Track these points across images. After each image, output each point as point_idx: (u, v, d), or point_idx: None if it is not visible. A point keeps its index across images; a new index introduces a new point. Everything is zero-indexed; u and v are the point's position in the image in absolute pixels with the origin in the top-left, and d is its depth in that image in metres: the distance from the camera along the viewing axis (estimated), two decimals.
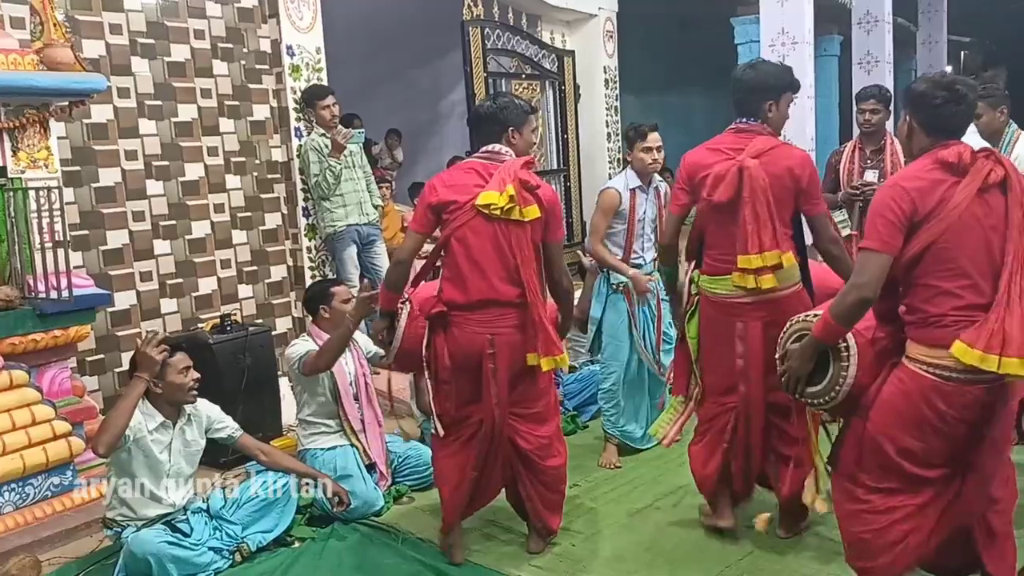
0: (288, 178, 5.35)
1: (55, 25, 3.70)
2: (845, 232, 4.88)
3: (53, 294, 3.68)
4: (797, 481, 3.16)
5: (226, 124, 5.09)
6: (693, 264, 3.39)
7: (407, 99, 8.46)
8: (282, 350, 4.19)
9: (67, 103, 3.83)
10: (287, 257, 5.41)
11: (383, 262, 5.31)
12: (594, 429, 4.83)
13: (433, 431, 3.33)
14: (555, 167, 7.53)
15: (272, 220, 5.33)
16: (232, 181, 5.12)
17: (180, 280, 4.88)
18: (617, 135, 8.10)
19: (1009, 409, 2.51)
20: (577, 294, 4.94)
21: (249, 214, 5.21)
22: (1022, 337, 2.26)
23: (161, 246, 4.79)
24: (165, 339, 3.36)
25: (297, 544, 3.55)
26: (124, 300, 4.60)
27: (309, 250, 5.41)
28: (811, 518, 3.37)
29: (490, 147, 3.18)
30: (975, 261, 2.36)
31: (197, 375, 3.36)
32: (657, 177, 4.34)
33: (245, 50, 5.16)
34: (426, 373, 3.26)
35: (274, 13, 5.20)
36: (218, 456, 3.93)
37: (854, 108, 5.06)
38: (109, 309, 4.46)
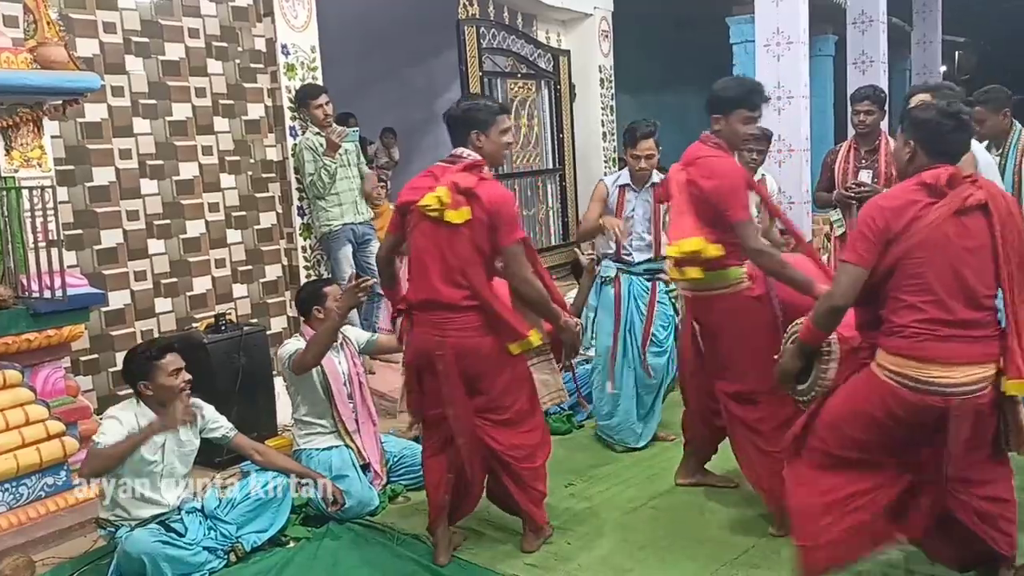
0: (283, 177, 5.35)
1: (49, 23, 3.69)
2: (840, 231, 4.90)
3: (47, 293, 3.67)
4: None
5: (220, 123, 5.07)
6: None
7: (401, 98, 8.45)
8: (277, 349, 4.18)
9: (61, 102, 3.81)
10: (282, 256, 5.40)
11: None
12: (589, 428, 4.84)
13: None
14: (550, 166, 7.53)
15: (267, 219, 5.32)
16: (227, 180, 5.11)
17: (174, 279, 4.87)
18: (612, 134, 8.10)
19: (992, 421, 2.57)
20: (572, 293, 4.94)
21: (244, 213, 5.20)
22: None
23: (155, 245, 4.78)
24: (156, 339, 3.36)
25: (292, 544, 3.55)
26: (118, 299, 4.59)
27: (304, 249, 5.40)
28: None
29: (456, 150, 3.21)
30: (942, 278, 2.49)
31: (188, 377, 3.34)
32: (658, 177, 4.32)
33: (240, 49, 5.15)
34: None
35: (269, 12, 5.19)
36: (213, 456, 3.92)
37: (849, 108, 5.07)
38: (103, 308, 4.45)
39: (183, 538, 3.26)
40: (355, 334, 4.12)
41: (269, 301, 5.33)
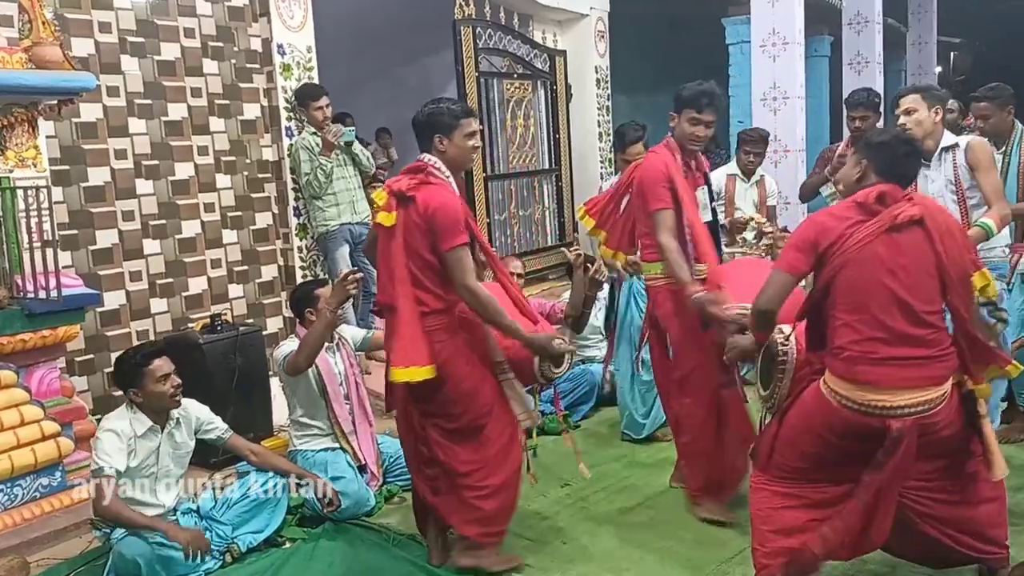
0: (279, 177, 5.34)
1: (44, 23, 3.68)
2: None
3: (42, 294, 3.66)
4: None
5: (216, 123, 5.07)
6: None
7: (394, 97, 8.44)
8: (273, 350, 4.17)
9: (56, 102, 3.81)
10: (278, 257, 5.40)
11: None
12: (586, 428, 4.85)
13: None
14: (547, 167, 7.52)
15: (263, 220, 5.32)
16: (222, 180, 5.11)
17: (170, 280, 4.86)
18: (609, 135, 8.10)
19: (952, 433, 2.60)
20: (567, 295, 4.93)
21: (239, 213, 5.19)
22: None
23: (151, 246, 4.77)
24: (144, 344, 3.34)
25: (288, 544, 3.54)
26: (113, 300, 4.58)
27: (300, 249, 5.39)
28: None
29: (420, 156, 3.15)
30: (875, 296, 2.52)
31: (178, 381, 3.30)
32: None
33: (236, 49, 5.15)
34: None
35: (265, 12, 5.19)
36: (208, 456, 3.91)
37: (844, 112, 5.09)
38: (98, 309, 4.43)
39: None
40: (351, 333, 4.12)
41: (265, 301, 5.33)
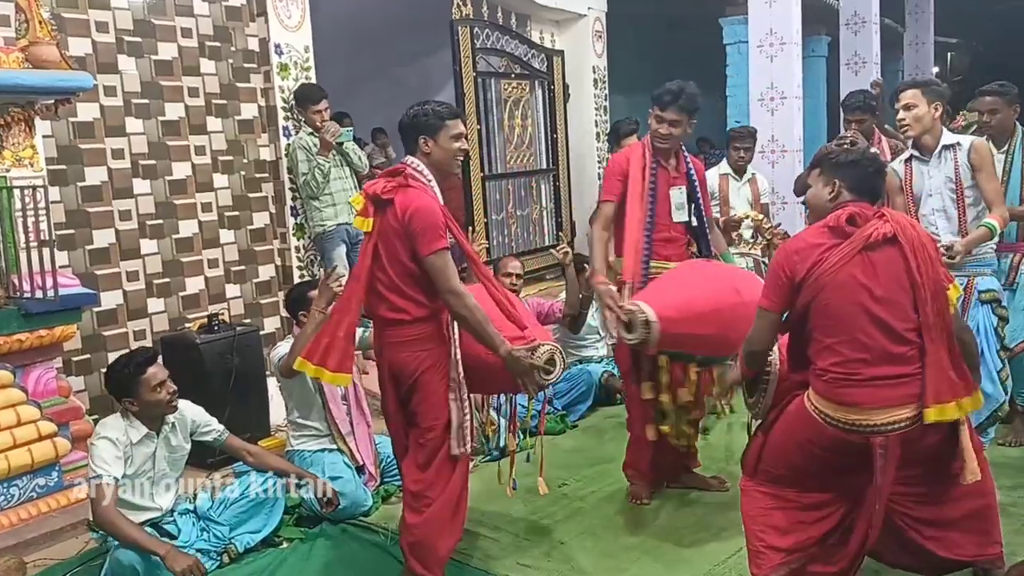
0: (276, 177, 5.34)
1: (40, 23, 3.67)
2: None
3: (39, 294, 3.65)
4: None
5: (213, 123, 5.06)
6: None
7: (392, 97, 8.42)
8: (270, 350, 4.17)
9: (53, 101, 3.80)
10: (275, 256, 5.39)
11: None
12: (583, 428, 4.85)
13: None
14: (544, 167, 7.53)
15: (260, 219, 5.31)
16: (220, 180, 5.10)
17: (167, 280, 4.85)
18: (606, 135, 8.11)
19: (931, 441, 2.59)
20: (563, 295, 4.93)
21: (237, 213, 5.19)
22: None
23: (148, 245, 4.76)
24: (136, 351, 3.31)
25: (285, 544, 3.54)
26: (110, 300, 4.57)
27: (297, 249, 5.39)
28: None
29: (404, 158, 3.10)
30: (854, 318, 2.52)
31: (173, 388, 3.26)
32: None
33: (233, 48, 5.14)
34: None
35: (262, 11, 5.18)
36: (205, 457, 3.91)
37: (841, 113, 5.09)
38: (95, 309, 4.43)
39: (176, 540, 3.24)
40: None
41: (262, 301, 5.32)
